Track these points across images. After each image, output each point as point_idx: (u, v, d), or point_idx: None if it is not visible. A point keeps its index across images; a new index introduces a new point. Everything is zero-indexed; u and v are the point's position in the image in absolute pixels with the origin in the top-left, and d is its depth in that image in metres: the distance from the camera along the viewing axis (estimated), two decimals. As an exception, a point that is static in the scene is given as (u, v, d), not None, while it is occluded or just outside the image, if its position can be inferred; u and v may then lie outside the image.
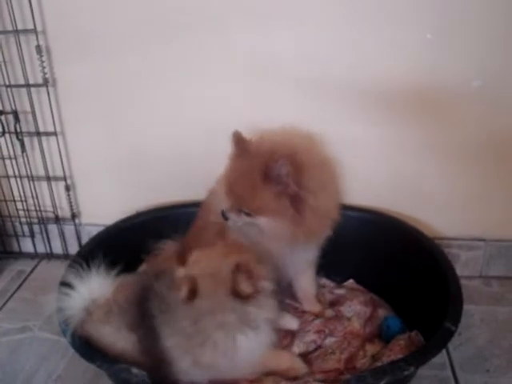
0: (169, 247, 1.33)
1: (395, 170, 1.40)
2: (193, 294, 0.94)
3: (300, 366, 1.09)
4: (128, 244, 1.32)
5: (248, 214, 1.06)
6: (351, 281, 1.42)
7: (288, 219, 1.02)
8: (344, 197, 1.35)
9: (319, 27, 1.27)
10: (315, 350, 1.19)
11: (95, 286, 1.06)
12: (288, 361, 1.10)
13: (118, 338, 1.02)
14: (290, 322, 1.25)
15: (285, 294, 1.34)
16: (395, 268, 1.30)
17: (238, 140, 1.06)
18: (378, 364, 1.08)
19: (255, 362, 1.03)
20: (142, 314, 1.01)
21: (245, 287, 0.93)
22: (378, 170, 1.40)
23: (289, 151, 1.01)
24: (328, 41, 1.28)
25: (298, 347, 1.19)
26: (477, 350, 1.23)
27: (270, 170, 0.99)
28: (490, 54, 1.24)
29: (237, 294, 0.94)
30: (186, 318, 0.97)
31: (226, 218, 1.09)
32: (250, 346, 0.98)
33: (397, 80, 1.29)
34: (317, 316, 1.27)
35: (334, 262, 1.31)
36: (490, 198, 1.41)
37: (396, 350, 1.11)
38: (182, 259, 1.25)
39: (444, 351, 1.21)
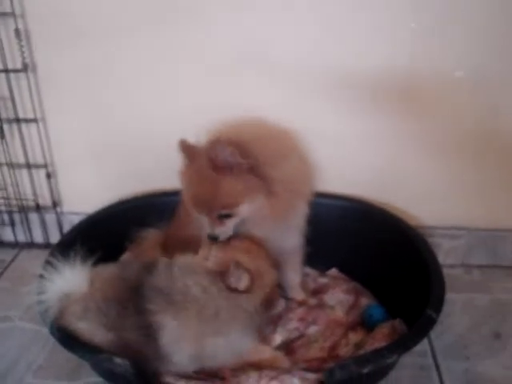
0: (151, 236, 1.32)
1: (378, 160, 1.41)
2: (252, 285, 0.98)
3: (281, 360, 1.09)
4: (111, 232, 1.31)
5: (228, 216, 1.03)
6: (334, 269, 1.42)
7: (260, 192, 1.01)
8: (327, 186, 1.36)
9: (300, 18, 1.26)
10: (298, 338, 1.19)
11: (69, 279, 1.02)
12: (269, 355, 1.10)
13: (95, 335, 0.99)
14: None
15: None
16: (378, 257, 1.31)
17: (185, 148, 1.05)
18: (361, 352, 1.10)
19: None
20: (131, 311, 0.99)
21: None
22: (362, 159, 1.40)
23: (226, 136, 1.01)
24: (309, 31, 1.27)
25: (281, 334, 1.19)
26: (457, 337, 1.25)
27: (216, 160, 0.98)
28: (472, 44, 1.25)
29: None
30: (206, 308, 0.98)
31: (215, 239, 1.06)
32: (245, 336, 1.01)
33: (378, 70, 1.28)
34: (300, 304, 1.28)
35: (317, 250, 1.31)
36: (471, 187, 1.42)
37: (379, 338, 1.12)
38: (166, 248, 1.25)
39: (425, 339, 1.22)
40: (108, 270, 1.07)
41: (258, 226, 1.07)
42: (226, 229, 1.05)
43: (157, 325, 0.97)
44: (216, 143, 0.98)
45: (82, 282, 1.02)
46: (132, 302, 0.99)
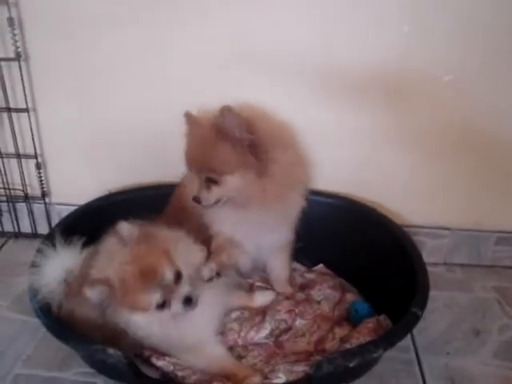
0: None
1: (364, 158, 1.43)
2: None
3: (248, 372, 1.08)
4: (100, 224, 1.30)
5: (215, 182, 1.05)
6: (321, 265, 1.45)
7: (252, 170, 1.03)
8: (313, 183, 1.37)
9: (291, 14, 1.27)
10: (286, 331, 1.22)
11: (67, 258, 1.08)
12: (232, 367, 1.10)
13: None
14: (266, 297, 1.30)
15: (256, 275, 1.37)
16: (364, 254, 1.33)
17: (190, 118, 1.09)
18: (347, 346, 1.12)
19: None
20: None
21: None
22: (348, 157, 1.42)
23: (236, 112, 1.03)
24: (300, 27, 1.28)
25: (270, 323, 1.22)
26: (439, 333, 1.29)
27: (222, 125, 1.00)
28: (463, 49, 1.27)
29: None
30: None
31: (198, 202, 1.08)
32: None
33: (368, 69, 1.30)
34: (288, 298, 1.30)
35: (305, 246, 1.34)
36: (455, 188, 1.46)
37: (364, 333, 1.15)
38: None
39: (408, 335, 1.25)
40: (93, 250, 1.09)
41: (247, 207, 1.08)
42: (210, 196, 1.07)
43: None
44: (227, 110, 0.99)
45: (77, 261, 1.07)
46: None
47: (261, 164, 1.03)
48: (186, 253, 1.04)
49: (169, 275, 0.98)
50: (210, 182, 1.06)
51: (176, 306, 0.99)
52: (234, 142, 1.01)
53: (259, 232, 1.17)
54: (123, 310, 0.98)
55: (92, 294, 0.94)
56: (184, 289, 1.00)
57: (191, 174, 1.11)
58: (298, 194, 1.16)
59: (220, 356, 1.11)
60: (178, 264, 1.00)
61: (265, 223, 1.13)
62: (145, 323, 0.99)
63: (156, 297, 0.97)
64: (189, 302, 1.00)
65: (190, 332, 1.06)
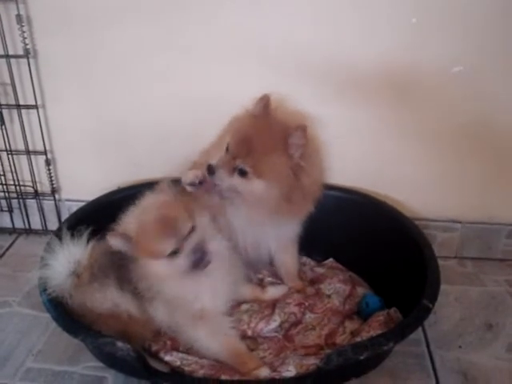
0: None
1: (374, 151, 1.42)
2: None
3: (258, 364, 1.08)
4: (109, 220, 1.31)
5: (243, 175, 1.05)
6: (331, 259, 1.44)
7: (283, 187, 1.04)
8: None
9: (298, 10, 1.27)
10: (296, 324, 1.21)
11: (76, 250, 1.09)
12: (243, 354, 1.10)
13: (105, 291, 1.07)
14: (279, 290, 1.30)
15: (266, 269, 1.37)
16: (375, 247, 1.33)
17: (266, 103, 1.08)
18: (358, 340, 1.11)
19: None
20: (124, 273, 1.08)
21: None
22: (360, 151, 1.42)
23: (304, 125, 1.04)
24: (308, 22, 1.28)
25: (279, 316, 1.21)
26: (450, 327, 1.27)
27: (291, 138, 1.02)
28: (471, 40, 1.26)
29: None
30: None
31: (211, 173, 1.06)
32: None
33: (378, 63, 1.30)
34: (298, 292, 1.30)
35: (315, 240, 1.33)
36: (465, 181, 1.44)
37: (375, 326, 1.14)
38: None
39: (420, 328, 1.24)
40: (100, 241, 1.12)
41: (258, 210, 1.09)
42: (227, 179, 1.06)
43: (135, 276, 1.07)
44: (300, 128, 1.02)
45: (85, 253, 1.09)
46: (120, 261, 1.08)
47: (296, 184, 1.05)
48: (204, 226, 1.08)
49: (185, 226, 1.02)
50: (239, 171, 1.05)
51: (187, 255, 1.02)
52: (288, 157, 1.03)
53: (265, 227, 1.17)
54: (142, 258, 1.04)
55: (113, 242, 1.03)
56: (196, 238, 1.03)
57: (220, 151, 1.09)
58: (312, 205, 1.18)
59: (232, 337, 1.12)
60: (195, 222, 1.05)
61: (271, 223, 1.14)
62: (161, 272, 1.04)
63: (171, 242, 1.00)
64: (199, 253, 1.03)
65: (202, 294, 1.09)
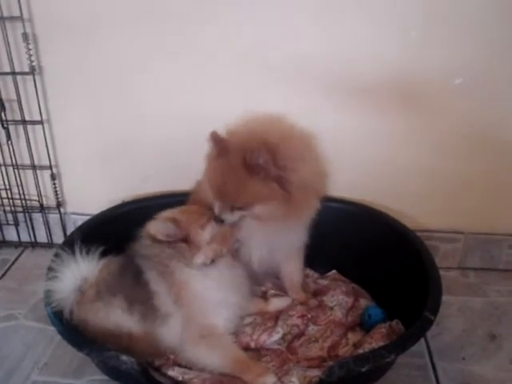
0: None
1: (378, 163, 1.43)
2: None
3: (262, 370, 1.08)
4: (114, 233, 1.32)
5: (240, 208, 1.10)
6: (334, 271, 1.45)
7: (279, 200, 1.07)
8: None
9: (304, 18, 1.28)
10: (299, 337, 1.22)
11: (84, 267, 1.11)
12: (247, 361, 1.10)
13: (108, 311, 1.08)
14: (282, 301, 1.31)
15: (269, 282, 1.38)
16: (377, 259, 1.33)
17: (216, 140, 1.08)
18: (360, 352, 1.12)
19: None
20: (134, 289, 1.10)
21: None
22: (359, 161, 1.42)
23: (260, 139, 1.05)
24: (313, 32, 1.30)
25: (282, 328, 1.22)
26: (453, 338, 1.28)
27: (250, 163, 1.03)
28: (473, 52, 1.28)
29: None
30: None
31: (220, 221, 1.13)
32: None
33: (381, 73, 1.31)
34: (301, 304, 1.30)
35: (318, 253, 1.34)
36: (468, 192, 1.45)
37: (377, 338, 1.14)
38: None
39: (422, 340, 1.24)
40: (111, 260, 1.16)
41: (271, 223, 1.12)
42: (233, 217, 1.13)
43: (153, 293, 1.11)
44: (255, 149, 1.02)
45: (94, 269, 1.11)
46: (133, 280, 1.11)
47: (287, 194, 1.06)
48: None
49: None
50: (236, 208, 1.10)
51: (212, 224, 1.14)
52: (262, 177, 1.04)
53: (273, 235, 1.19)
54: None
55: (159, 228, 1.11)
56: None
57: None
58: (317, 201, 1.18)
59: (232, 348, 1.13)
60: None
61: (280, 230, 1.16)
62: (206, 236, 1.14)
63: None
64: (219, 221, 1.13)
65: (219, 307, 1.13)
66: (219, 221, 1.13)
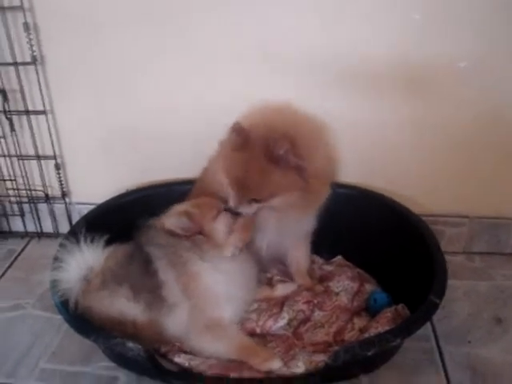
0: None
1: (383, 147, 1.42)
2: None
3: (269, 355, 1.09)
4: (119, 222, 1.33)
5: (259, 201, 1.09)
6: (339, 257, 1.45)
7: (298, 189, 1.07)
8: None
9: (306, 7, 1.27)
10: (305, 322, 1.22)
11: (90, 256, 1.12)
12: (253, 347, 1.11)
13: (113, 300, 1.08)
14: (288, 287, 1.31)
15: (275, 269, 1.38)
16: (383, 244, 1.33)
17: (239, 131, 1.06)
18: (366, 336, 1.12)
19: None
20: (141, 277, 1.11)
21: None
22: (366, 147, 1.42)
23: (282, 130, 1.05)
24: (315, 21, 1.28)
25: (288, 313, 1.23)
26: (459, 322, 1.28)
27: (272, 154, 1.02)
28: (477, 36, 1.26)
29: None
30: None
31: (236, 214, 1.12)
32: None
33: (386, 59, 1.30)
34: (307, 290, 1.31)
35: (324, 239, 1.34)
36: (474, 176, 1.44)
37: (383, 323, 1.15)
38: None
39: (428, 324, 1.25)
40: (117, 248, 1.16)
41: (283, 212, 1.13)
42: (250, 209, 1.11)
43: (162, 282, 1.10)
44: (277, 139, 1.02)
45: (100, 258, 1.12)
46: (141, 269, 1.11)
47: (306, 183, 1.06)
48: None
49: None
50: (254, 201, 1.09)
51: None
52: (283, 168, 1.04)
53: (285, 222, 1.19)
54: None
55: (174, 223, 1.10)
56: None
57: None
58: (328, 188, 1.19)
59: (237, 335, 1.13)
60: None
61: (292, 217, 1.17)
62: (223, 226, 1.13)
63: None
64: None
65: (227, 300, 1.13)
66: (236, 213, 1.12)
